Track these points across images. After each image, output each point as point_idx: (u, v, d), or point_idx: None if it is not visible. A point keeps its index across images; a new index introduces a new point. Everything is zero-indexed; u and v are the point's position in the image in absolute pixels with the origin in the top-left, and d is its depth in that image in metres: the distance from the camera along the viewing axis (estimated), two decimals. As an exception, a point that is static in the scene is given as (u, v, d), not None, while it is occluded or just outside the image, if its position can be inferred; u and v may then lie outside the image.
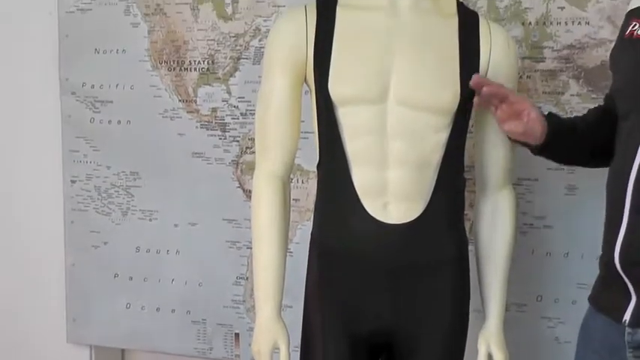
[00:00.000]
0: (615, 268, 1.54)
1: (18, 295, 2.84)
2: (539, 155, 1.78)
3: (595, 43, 2.14)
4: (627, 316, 1.53)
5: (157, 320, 2.66)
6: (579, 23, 2.15)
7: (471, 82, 1.65)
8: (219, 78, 2.49)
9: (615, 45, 1.66)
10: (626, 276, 1.52)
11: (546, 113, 1.77)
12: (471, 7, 1.93)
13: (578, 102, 2.17)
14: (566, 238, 2.23)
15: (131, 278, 2.67)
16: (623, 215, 1.52)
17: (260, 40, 2.42)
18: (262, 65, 1.81)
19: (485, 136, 1.80)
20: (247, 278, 2.53)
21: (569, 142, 1.73)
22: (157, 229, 2.62)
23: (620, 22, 1.68)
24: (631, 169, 1.50)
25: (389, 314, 1.74)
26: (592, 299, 1.67)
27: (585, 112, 1.79)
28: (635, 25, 1.57)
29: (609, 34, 2.11)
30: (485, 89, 1.65)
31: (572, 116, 1.85)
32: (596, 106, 1.85)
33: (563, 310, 2.25)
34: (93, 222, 2.69)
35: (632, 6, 1.63)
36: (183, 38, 2.51)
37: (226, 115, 2.49)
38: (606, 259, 1.57)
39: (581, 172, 2.10)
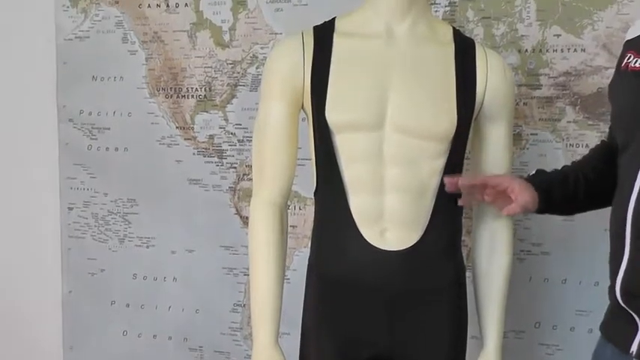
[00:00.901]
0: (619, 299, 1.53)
1: (15, 324, 2.82)
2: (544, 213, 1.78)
3: (591, 70, 2.15)
4: (634, 348, 1.51)
5: (154, 347, 2.64)
6: (575, 50, 2.16)
7: (446, 188, 1.68)
8: (217, 105, 2.49)
9: (613, 76, 1.66)
10: (629, 308, 1.51)
11: (534, 171, 1.76)
12: (468, 35, 1.94)
13: (574, 129, 2.17)
14: (563, 265, 2.23)
15: (128, 305, 2.66)
16: (624, 248, 1.51)
17: (257, 68, 2.43)
18: (259, 92, 1.81)
19: (481, 162, 1.80)
20: (244, 305, 2.52)
21: (565, 196, 1.72)
22: (154, 256, 2.61)
23: (615, 49, 1.68)
24: (629, 202, 1.49)
25: (387, 341, 1.73)
26: (602, 328, 1.66)
27: (582, 138, 1.78)
28: (630, 56, 1.56)
29: (605, 61, 2.12)
30: (461, 188, 1.68)
31: (570, 163, 1.83)
32: (599, 142, 1.85)
33: (561, 337, 2.25)
34: (90, 249, 2.68)
35: (629, 36, 1.63)
36: (180, 65, 2.52)
37: (223, 141, 2.50)
38: (612, 291, 1.56)
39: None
